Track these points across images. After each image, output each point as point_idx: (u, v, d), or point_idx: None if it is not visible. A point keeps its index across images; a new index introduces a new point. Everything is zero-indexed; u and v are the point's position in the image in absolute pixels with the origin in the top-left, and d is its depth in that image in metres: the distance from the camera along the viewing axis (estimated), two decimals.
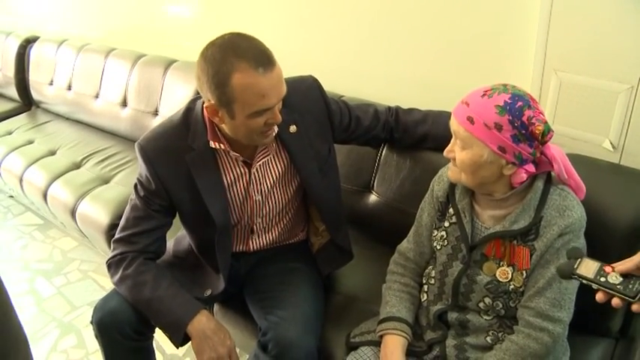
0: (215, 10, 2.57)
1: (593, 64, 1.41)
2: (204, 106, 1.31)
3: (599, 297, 0.91)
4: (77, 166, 2.76)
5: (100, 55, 3.05)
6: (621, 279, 0.89)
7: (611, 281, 0.90)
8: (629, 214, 1.31)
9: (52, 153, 2.93)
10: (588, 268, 0.93)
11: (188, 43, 2.74)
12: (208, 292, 1.55)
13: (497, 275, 1.21)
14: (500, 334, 1.25)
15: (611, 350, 1.42)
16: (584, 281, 0.93)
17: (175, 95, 2.61)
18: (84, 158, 2.80)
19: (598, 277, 0.91)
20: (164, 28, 2.90)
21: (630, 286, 0.88)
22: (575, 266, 0.94)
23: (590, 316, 1.30)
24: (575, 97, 1.48)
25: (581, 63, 1.43)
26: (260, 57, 1.21)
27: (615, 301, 0.89)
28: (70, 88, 3.22)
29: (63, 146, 2.97)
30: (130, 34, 3.12)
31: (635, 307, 0.88)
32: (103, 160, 2.75)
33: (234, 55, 1.20)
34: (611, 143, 1.46)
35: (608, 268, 0.91)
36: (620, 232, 1.31)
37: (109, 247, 2.24)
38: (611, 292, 0.89)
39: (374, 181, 1.85)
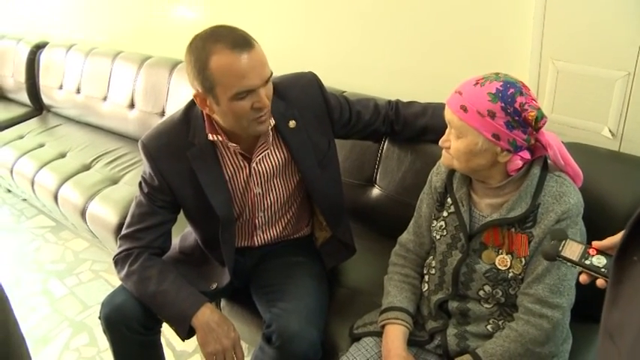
0: (218, 10, 2.60)
1: (590, 52, 1.41)
2: (193, 95, 1.34)
3: (583, 278, 0.93)
4: (87, 167, 2.80)
5: (108, 58, 3.09)
6: (605, 261, 0.91)
7: (595, 263, 0.91)
8: (628, 200, 1.32)
9: (63, 155, 2.98)
10: (573, 250, 0.95)
11: None
12: (214, 286, 1.57)
13: (496, 263, 1.22)
14: (500, 322, 1.26)
15: None
16: (568, 263, 0.94)
17: (181, 95, 2.63)
18: (93, 160, 2.85)
19: (582, 260, 0.93)
20: (169, 29, 2.93)
21: None
22: (560, 248, 0.96)
23: (593, 304, 1.29)
24: (572, 85, 1.48)
25: (577, 51, 1.43)
26: (237, 39, 1.25)
27: (600, 282, 0.90)
28: (79, 91, 3.27)
29: (73, 149, 3.02)
30: (135, 37, 3.16)
31: None
32: (111, 162, 2.80)
33: (212, 41, 1.25)
34: (610, 131, 1.46)
35: (592, 250, 0.93)
36: (620, 218, 1.30)
37: None
38: (595, 274, 0.91)
39: (376, 175, 1.86)
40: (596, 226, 1.21)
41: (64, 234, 3.09)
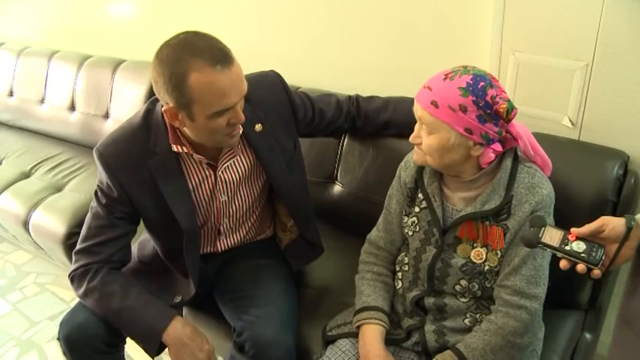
0: (163, 6, 2.49)
1: (549, 43, 1.43)
2: (163, 109, 1.25)
3: (564, 264, 0.95)
4: (26, 175, 2.63)
5: (43, 58, 2.91)
6: (584, 247, 0.94)
7: (575, 249, 0.94)
8: (591, 187, 1.36)
9: None
10: (553, 236, 0.97)
11: (136, 41, 2.64)
12: (178, 299, 1.51)
13: (471, 257, 1.22)
14: (477, 316, 1.26)
15: (582, 321, 1.46)
16: (549, 250, 0.96)
17: (126, 96, 2.52)
18: (33, 167, 2.68)
19: (563, 246, 0.95)
20: (109, 27, 2.79)
21: (593, 254, 0.93)
22: (540, 235, 0.97)
23: (560, 290, 1.32)
24: (533, 76, 1.50)
25: (537, 43, 1.45)
26: (217, 54, 1.17)
27: (580, 267, 0.94)
28: (11, 94, 3.07)
29: (9, 156, 2.83)
30: (73, 35, 2.99)
31: (596, 273, 0.94)
32: (54, 168, 2.63)
33: (190, 54, 1.15)
34: (570, 120, 1.49)
35: (571, 236, 0.95)
36: (583, 204, 1.35)
37: (68, 257, 2.15)
38: (575, 259, 0.94)
39: (337, 172, 1.84)
40: (560, 213, 1.23)
41: (2, 247, 2.91)
